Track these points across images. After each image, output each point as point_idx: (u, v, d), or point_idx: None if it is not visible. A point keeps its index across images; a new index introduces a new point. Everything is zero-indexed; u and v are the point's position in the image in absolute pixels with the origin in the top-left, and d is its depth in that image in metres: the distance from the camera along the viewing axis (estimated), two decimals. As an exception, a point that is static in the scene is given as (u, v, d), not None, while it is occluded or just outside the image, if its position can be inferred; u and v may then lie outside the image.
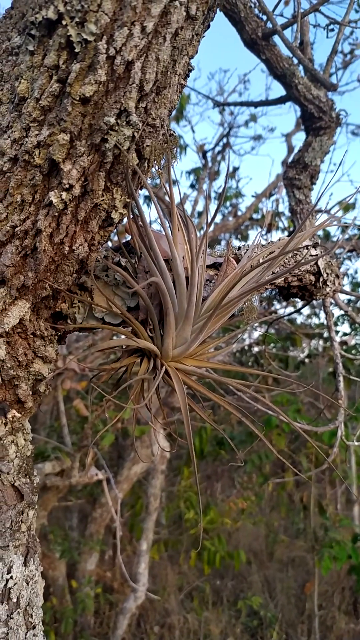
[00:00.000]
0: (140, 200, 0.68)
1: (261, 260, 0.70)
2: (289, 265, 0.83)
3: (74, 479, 2.77)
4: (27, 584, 0.72)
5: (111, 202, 0.60)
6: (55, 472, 2.80)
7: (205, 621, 3.69)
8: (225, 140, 4.54)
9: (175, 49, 0.53)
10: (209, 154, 4.46)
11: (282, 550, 4.57)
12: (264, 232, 1.68)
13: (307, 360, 4.55)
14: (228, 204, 4.72)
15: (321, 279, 1.01)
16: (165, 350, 0.69)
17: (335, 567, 3.04)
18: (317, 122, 1.45)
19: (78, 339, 3.28)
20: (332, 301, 1.34)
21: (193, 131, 7.44)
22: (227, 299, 0.65)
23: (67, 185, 0.55)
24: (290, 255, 0.90)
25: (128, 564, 3.51)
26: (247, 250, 0.81)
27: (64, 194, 0.56)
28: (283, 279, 0.93)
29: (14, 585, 0.69)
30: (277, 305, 3.66)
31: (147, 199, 4.07)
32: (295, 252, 0.89)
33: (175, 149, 0.64)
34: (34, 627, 0.71)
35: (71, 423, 3.36)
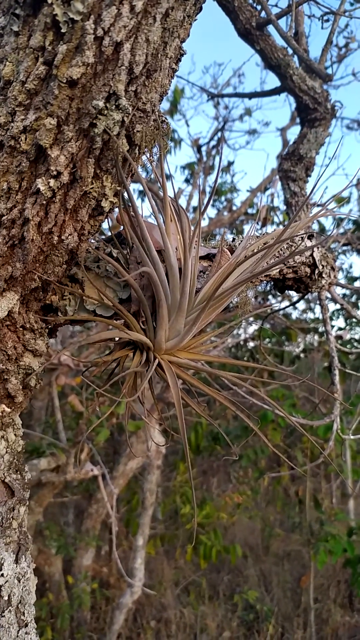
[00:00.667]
0: (135, 194, 0.66)
1: (255, 250, 0.69)
2: (284, 256, 0.82)
3: (69, 474, 2.76)
4: (19, 581, 0.70)
5: (101, 190, 0.58)
6: (51, 468, 2.79)
7: (202, 615, 3.70)
8: (220, 134, 4.51)
9: (165, 30, 0.51)
10: (203, 149, 4.43)
11: (277, 544, 4.58)
12: (258, 226, 1.66)
13: (302, 354, 4.55)
14: (223, 198, 4.70)
15: (317, 271, 0.99)
16: (158, 342, 0.67)
17: (330, 560, 3.05)
18: (312, 114, 1.43)
19: (72, 335, 3.26)
20: (328, 294, 1.32)
21: (188, 125, 7.40)
22: (220, 290, 0.64)
23: (55, 172, 0.53)
24: (285, 247, 0.89)
25: (124, 559, 3.51)
26: (241, 241, 0.80)
27: (52, 182, 0.54)
28: (278, 270, 0.91)
29: (5, 582, 0.67)
30: (272, 300, 3.65)
31: (141, 193, 4.05)
32: (290, 243, 0.88)
33: (167, 135, 0.62)
34: (26, 625, 0.70)
35: (66, 419, 3.35)
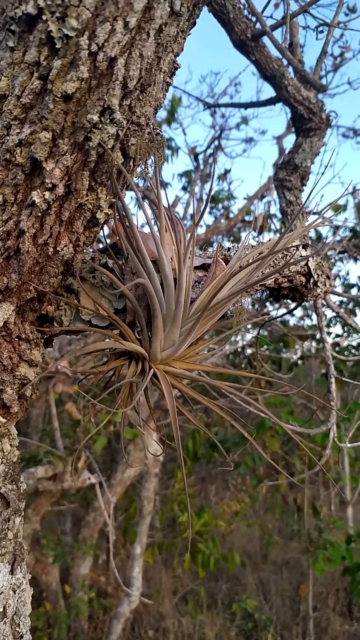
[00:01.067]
0: (131, 204, 0.66)
1: (250, 261, 0.69)
2: (279, 265, 0.83)
3: (67, 483, 2.74)
4: (14, 592, 0.70)
5: (96, 202, 0.59)
6: (48, 476, 2.78)
7: (200, 624, 3.67)
8: (216, 142, 4.54)
9: (159, 46, 0.52)
10: (200, 157, 4.46)
11: (276, 552, 4.56)
12: (255, 234, 1.67)
13: (299, 362, 4.56)
14: (220, 206, 4.72)
15: (312, 280, 1.00)
16: (153, 352, 0.68)
17: (329, 568, 3.04)
18: (307, 124, 1.45)
19: (70, 342, 3.26)
20: (324, 302, 1.33)
21: (184, 134, 7.43)
22: (215, 300, 0.64)
23: (50, 185, 0.54)
24: (280, 256, 0.90)
25: (122, 568, 3.49)
26: (236, 251, 0.80)
27: (47, 194, 0.55)
28: (273, 280, 0.92)
29: (1, 594, 0.67)
30: (269, 307, 3.66)
31: (138, 202, 4.06)
32: (285, 252, 0.88)
33: (161, 148, 0.63)
34: (21, 637, 0.70)
35: (63, 427, 3.34)
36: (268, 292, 1.03)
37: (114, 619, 3.09)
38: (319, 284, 1.02)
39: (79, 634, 3.29)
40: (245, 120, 4.64)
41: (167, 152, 4.10)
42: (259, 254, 0.75)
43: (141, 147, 0.59)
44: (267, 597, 4.09)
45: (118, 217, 0.65)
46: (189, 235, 0.71)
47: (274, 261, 0.86)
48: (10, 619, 0.69)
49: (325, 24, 1.41)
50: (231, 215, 4.54)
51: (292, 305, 1.54)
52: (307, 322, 4.81)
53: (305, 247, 0.95)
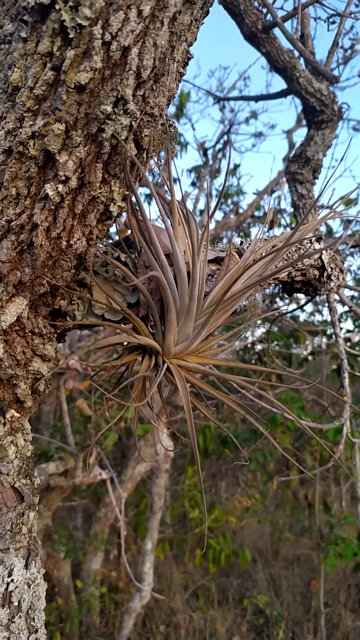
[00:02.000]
0: (142, 198, 0.66)
1: (264, 254, 0.68)
2: (293, 259, 0.82)
3: (78, 479, 2.76)
4: (29, 587, 0.70)
5: (109, 194, 0.58)
6: (59, 472, 2.79)
7: (211, 620, 3.68)
8: (226, 137, 4.51)
9: (173, 35, 0.51)
10: (209, 152, 4.44)
11: (287, 548, 4.55)
12: (265, 229, 1.66)
13: (310, 357, 4.53)
14: (229, 201, 4.70)
15: (325, 274, 0.99)
16: (166, 347, 0.67)
17: (340, 564, 3.02)
18: (319, 116, 1.43)
19: (81, 339, 3.27)
20: (337, 297, 1.32)
21: (194, 129, 7.40)
22: (229, 294, 0.64)
23: (63, 178, 0.54)
24: (293, 250, 0.89)
25: (133, 563, 3.50)
26: (249, 244, 0.79)
27: (60, 187, 0.54)
28: (287, 273, 0.91)
29: (15, 588, 0.67)
30: (279, 303, 3.64)
31: (149, 196, 4.06)
32: (298, 245, 0.87)
33: (174, 139, 0.62)
34: (36, 631, 0.70)
35: (74, 423, 3.35)
36: (281, 286, 1.02)
37: (125, 614, 3.10)
38: (332, 278, 1.00)
39: (91, 629, 3.31)
40: (254, 115, 4.61)
41: (177, 147, 4.09)
42: (273, 247, 0.74)
43: (154, 139, 0.58)
44: (278, 593, 4.08)
45: (131, 210, 0.64)
46: (202, 228, 0.71)
47: (287, 255, 0.85)
48: (25, 613, 0.69)
49: (337, 14, 1.39)
50: (240, 211, 4.52)
51: (303, 300, 1.53)
52: (318, 317, 4.78)
53: (318, 240, 0.94)
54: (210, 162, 4.44)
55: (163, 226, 0.69)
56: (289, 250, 0.86)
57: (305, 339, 4.22)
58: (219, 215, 4.68)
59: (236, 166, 4.71)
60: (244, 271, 0.61)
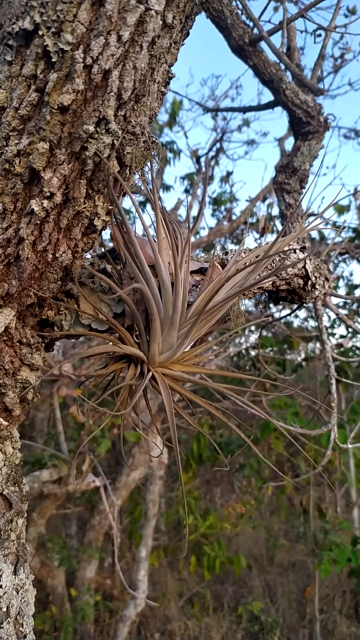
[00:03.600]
0: (133, 208, 0.68)
1: (246, 264, 0.71)
2: (275, 268, 0.84)
3: (71, 486, 2.76)
4: (17, 592, 0.71)
5: (93, 209, 0.60)
6: (53, 479, 2.79)
7: (206, 627, 3.67)
8: (218, 145, 4.56)
9: (153, 57, 0.54)
10: (202, 159, 4.47)
11: (282, 555, 4.55)
12: (257, 236, 1.68)
13: (304, 363, 4.55)
14: (222, 208, 4.74)
15: (310, 283, 1.01)
16: (151, 356, 0.69)
17: (335, 570, 3.03)
18: (306, 127, 1.46)
19: (74, 346, 3.28)
20: (324, 304, 1.34)
21: (186, 137, 7.45)
22: (212, 303, 0.66)
23: (48, 194, 0.56)
24: (278, 259, 0.91)
25: (127, 571, 3.50)
26: (233, 255, 0.82)
27: (45, 202, 0.56)
28: (271, 283, 0.93)
29: (4, 594, 0.68)
30: (273, 309, 3.67)
31: (142, 204, 4.08)
32: (282, 255, 0.90)
33: (158, 155, 0.64)
34: (24, 637, 0.71)
35: (68, 430, 3.35)
36: (267, 294, 1.04)
37: (120, 622, 3.10)
38: (317, 286, 1.03)
39: (85, 637, 3.30)
40: (246, 123, 4.66)
41: (169, 155, 4.12)
42: (256, 257, 0.77)
43: (137, 156, 0.60)
44: (273, 599, 4.08)
45: (116, 223, 0.66)
46: (194, 237, 0.73)
47: (271, 264, 0.87)
48: (14, 619, 0.70)
49: (321, 28, 1.43)
50: (233, 218, 4.55)
51: (294, 307, 1.55)
52: (312, 323, 4.81)
53: (302, 249, 0.97)
54: (203, 169, 4.48)
55: (147, 238, 0.71)
56: (273, 260, 0.88)
57: (299, 345, 4.25)
58: (212, 222, 4.71)
59: (229, 173, 4.75)
60: (225, 282, 0.63)
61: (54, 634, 3.15)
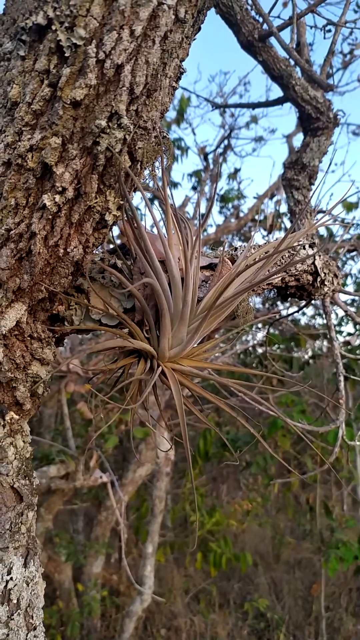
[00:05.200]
0: (142, 204, 0.68)
1: (256, 260, 0.71)
2: (284, 264, 0.84)
3: (79, 482, 2.77)
4: (28, 585, 0.72)
5: (104, 204, 0.60)
6: (60, 475, 2.81)
7: (212, 624, 3.68)
8: (226, 142, 4.55)
9: (165, 52, 0.54)
10: (210, 156, 4.47)
11: (288, 552, 4.55)
12: (265, 233, 1.68)
13: (311, 361, 4.54)
14: (230, 205, 4.73)
15: (319, 279, 1.01)
16: (161, 350, 0.69)
17: (341, 568, 3.03)
18: (315, 123, 1.45)
19: (82, 342, 3.29)
20: (333, 301, 1.33)
21: (194, 133, 7.43)
22: (221, 299, 0.66)
23: (60, 188, 0.56)
24: (287, 255, 0.91)
25: (134, 566, 3.51)
26: (242, 251, 0.82)
27: (57, 197, 0.56)
28: (280, 279, 0.93)
29: (14, 586, 0.69)
30: (280, 306, 3.66)
31: (151, 200, 4.08)
32: (291, 251, 0.89)
33: (168, 150, 0.64)
34: (34, 629, 0.71)
35: (75, 426, 3.37)
36: (276, 291, 1.04)
37: (127, 618, 3.11)
38: (326, 283, 1.02)
39: (92, 632, 3.32)
40: (254, 119, 4.64)
41: (177, 152, 4.12)
42: (265, 253, 0.77)
43: (148, 151, 0.60)
44: (279, 596, 4.08)
45: (126, 218, 0.66)
46: (203, 234, 0.73)
47: (280, 260, 0.87)
48: (24, 611, 0.71)
49: (331, 23, 1.42)
50: (241, 215, 4.54)
51: (302, 303, 1.55)
52: (319, 320, 4.80)
53: (311, 246, 0.96)
54: (211, 166, 4.47)
55: (158, 234, 0.72)
56: (282, 256, 0.88)
57: (306, 343, 4.24)
58: (220, 219, 4.71)
59: (237, 170, 4.74)
60: (235, 277, 0.64)
61: (61, 628, 3.17)
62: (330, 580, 3.99)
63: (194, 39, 0.61)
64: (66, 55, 0.49)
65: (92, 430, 2.73)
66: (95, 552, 3.37)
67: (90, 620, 3.32)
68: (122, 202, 0.62)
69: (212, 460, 3.96)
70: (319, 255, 0.99)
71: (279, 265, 0.83)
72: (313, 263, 0.97)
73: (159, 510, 3.31)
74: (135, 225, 0.66)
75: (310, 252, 0.94)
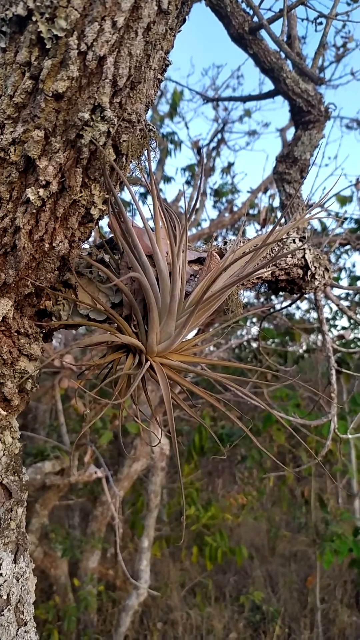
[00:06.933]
0: (135, 197, 0.68)
1: (244, 253, 0.70)
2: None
3: (74, 477, 2.77)
4: (18, 580, 0.72)
5: (90, 198, 0.60)
6: (55, 471, 2.81)
7: (208, 617, 3.70)
8: (219, 136, 4.53)
9: (148, 44, 0.53)
10: (203, 150, 4.45)
11: (284, 545, 4.58)
12: (258, 227, 1.68)
13: (305, 354, 4.55)
14: (224, 199, 4.72)
15: (309, 273, 1.01)
16: (149, 345, 0.69)
17: (336, 560, 3.05)
18: (306, 116, 1.45)
19: (76, 337, 3.28)
20: (324, 295, 1.33)
21: (187, 128, 7.40)
22: (209, 293, 0.65)
23: (44, 182, 0.55)
24: (277, 249, 0.90)
25: (130, 561, 3.52)
26: (232, 245, 0.81)
27: (41, 191, 0.56)
28: (270, 272, 0.92)
29: (4, 582, 0.69)
30: (275, 300, 3.66)
31: (143, 195, 4.07)
32: (281, 245, 0.89)
33: (153, 143, 0.64)
34: (25, 624, 0.71)
35: (70, 422, 3.37)
36: (267, 285, 1.04)
37: (123, 612, 3.12)
38: (316, 276, 1.02)
39: (89, 627, 3.34)
40: (248, 113, 4.63)
41: (170, 146, 4.10)
42: (254, 246, 0.76)
43: (133, 144, 0.60)
44: (274, 589, 4.11)
45: (113, 213, 0.66)
46: (196, 227, 0.72)
47: (270, 254, 0.87)
48: (14, 607, 0.70)
49: (322, 16, 1.41)
50: (235, 209, 4.53)
51: (295, 297, 1.55)
52: (313, 315, 4.81)
53: (302, 239, 0.96)
54: (205, 160, 4.46)
55: (145, 228, 0.71)
56: (272, 250, 0.88)
57: (300, 337, 4.24)
58: (213, 214, 4.70)
59: (230, 164, 4.73)
60: (222, 271, 0.63)
61: (58, 623, 3.18)
62: (325, 572, 4.02)
63: (179, 31, 0.60)
64: (47, 47, 0.49)
65: (85, 425, 2.73)
66: (91, 547, 3.38)
67: (87, 615, 3.34)
68: (107, 196, 0.62)
69: (207, 455, 3.98)
70: (309, 249, 0.98)
71: (269, 259, 0.82)
72: (303, 257, 0.97)
73: (154, 505, 3.32)
74: (122, 219, 0.66)
75: (301, 245, 0.93)
